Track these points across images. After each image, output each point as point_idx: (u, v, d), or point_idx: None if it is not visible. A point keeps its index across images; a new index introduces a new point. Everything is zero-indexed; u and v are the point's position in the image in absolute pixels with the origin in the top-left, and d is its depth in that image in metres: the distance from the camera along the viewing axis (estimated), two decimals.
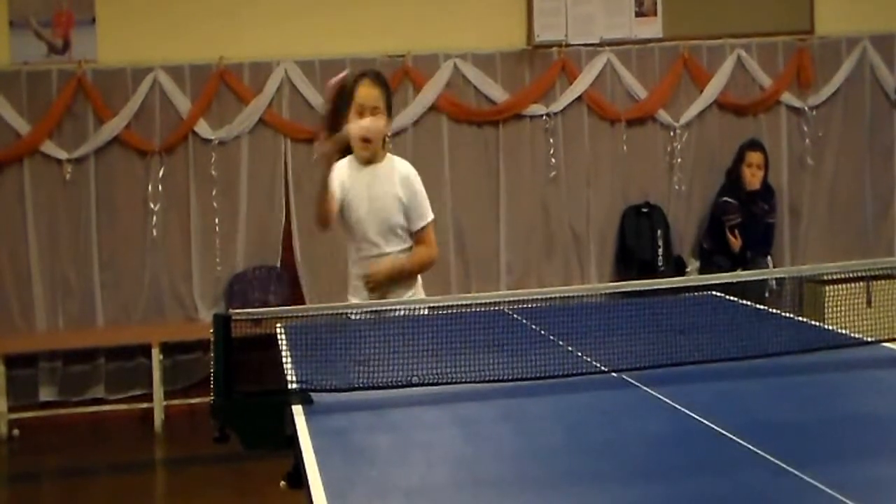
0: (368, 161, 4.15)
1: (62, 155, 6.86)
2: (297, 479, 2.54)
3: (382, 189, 4.11)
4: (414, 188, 4.15)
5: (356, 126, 4.04)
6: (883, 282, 5.27)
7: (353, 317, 3.90)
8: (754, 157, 7.11)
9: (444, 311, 3.76)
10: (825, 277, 6.05)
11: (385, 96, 4.12)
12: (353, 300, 4.13)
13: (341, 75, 3.98)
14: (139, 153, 6.96)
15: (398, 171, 4.16)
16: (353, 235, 4.16)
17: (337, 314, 3.73)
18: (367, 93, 4.08)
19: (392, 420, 2.68)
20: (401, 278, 4.11)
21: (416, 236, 4.17)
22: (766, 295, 6.55)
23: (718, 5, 7.48)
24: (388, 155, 4.22)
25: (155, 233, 6.97)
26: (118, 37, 6.87)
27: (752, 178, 7.09)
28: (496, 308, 3.89)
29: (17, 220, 6.88)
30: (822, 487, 2.00)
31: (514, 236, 7.33)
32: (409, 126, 7.11)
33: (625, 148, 7.40)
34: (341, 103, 4.01)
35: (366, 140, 4.07)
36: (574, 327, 3.34)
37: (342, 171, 4.14)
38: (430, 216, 4.20)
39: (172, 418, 6.86)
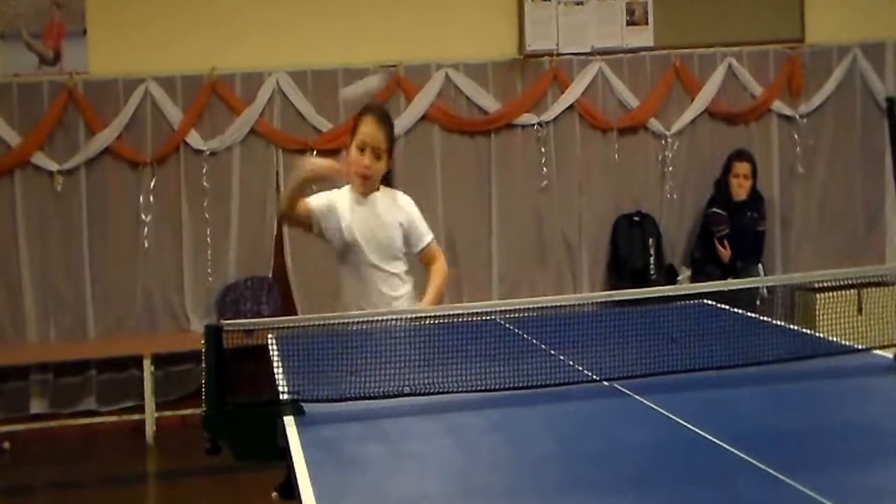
0: (366, 193, 4.25)
1: (53, 166, 6.84)
2: (289, 490, 2.53)
3: (384, 219, 4.23)
4: (410, 212, 4.28)
5: (360, 165, 4.15)
6: (873, 289, 5.30)
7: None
8: (741, 167, 7.12)
9: (436, 321, 3.76)
10: (816, 285, 6.05)
11: (389, 138, 4.20)
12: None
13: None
14: (131, 164, 6.94)
15: (394, 200, 4.29)
16: (355, 260, 4.24)
17: (328, 325, 3.72)
18: (373, 133, 4.15)
19: (384, 430, 2.67)
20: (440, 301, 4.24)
21: (425, 255, 4.30)
22: (758, 303, 6.54)
23: (709, 14, 7.50)
24: (382, 186, 4.33)
25: (146, 244, 6.95)
26: (109, 48, 6.86)
27: (739, 189, 7.11)
28: (488, 317, 3.89)
29: (8, 231, 6.86)
30: (814, 496, 2.00)
31: (506, 245, 7.32)
32: (401, 136, 7.11)
33: (616, 157, 7.41)
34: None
35: (365, 178, 4.17)
36: (566, 336, 3.33)
37: (342, 199, 4.26)
38: (431, 234, 4.34)
39: (164, 430, 6.83)
